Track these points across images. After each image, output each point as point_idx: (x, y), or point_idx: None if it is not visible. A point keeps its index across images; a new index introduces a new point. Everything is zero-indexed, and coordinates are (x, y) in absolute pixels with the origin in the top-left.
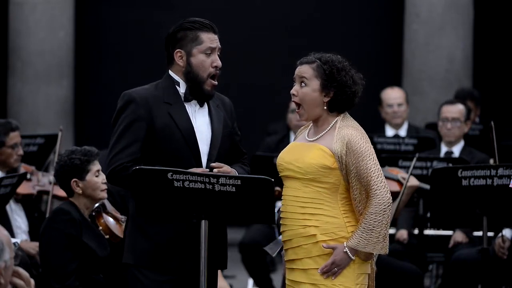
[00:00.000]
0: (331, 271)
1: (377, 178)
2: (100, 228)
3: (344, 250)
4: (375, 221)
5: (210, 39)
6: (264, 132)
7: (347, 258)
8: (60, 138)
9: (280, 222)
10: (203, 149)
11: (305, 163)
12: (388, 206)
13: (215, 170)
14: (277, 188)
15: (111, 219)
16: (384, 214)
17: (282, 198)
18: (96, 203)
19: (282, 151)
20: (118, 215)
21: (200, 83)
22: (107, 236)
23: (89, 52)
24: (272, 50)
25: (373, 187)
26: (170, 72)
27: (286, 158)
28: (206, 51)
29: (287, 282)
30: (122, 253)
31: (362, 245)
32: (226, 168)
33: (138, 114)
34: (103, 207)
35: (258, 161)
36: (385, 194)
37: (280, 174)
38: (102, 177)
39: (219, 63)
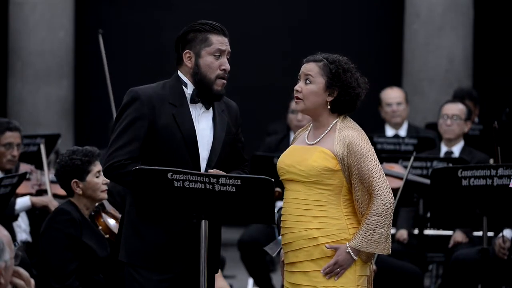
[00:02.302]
0: (333, 272)
1: (378, 178)
2: (100, 227)
3: (347, 250)
4: (377, 221)
5: (219, 42)
6: (264, 132)
7: (350, 259)
8: (43, 151)
9: (281, 225)
10: (203, 154)
11: (307, 166)
12: (390, 206)
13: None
14: (277, 189)
15: (110, 219)
16: (386, 215)
17: (283, 201)
18: (96, 204)
19: (282, 155)
20: (117, 214)
21: (208, 84)
22: (106, 236)
23: (89, 52)
24: (272, 50)
25: (375, 187)
26: (179, 73)
27: (287, 161)
28: (215, 53)
29: (286, 284)
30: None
31: (364, 245)
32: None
33: (141, 112)
34: (102, 207)
35: (258, 161)
36: (388, 195)
37: (281, 178)
38: (103, 178)
39: (227, 66)
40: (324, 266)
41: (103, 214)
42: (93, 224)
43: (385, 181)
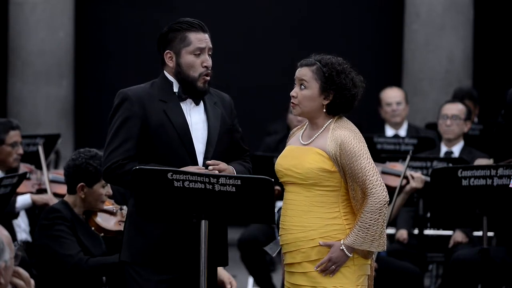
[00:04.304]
0: (328, 269)
1: (372, 176)
2: (93, 228)
3: (341, 247)
4: (371, 220)
5: (198, 40)
6: (264, 132)
7: (343, 256)
8: (42, 152)
9: (280, 226)
10: (199, 148)
11: (304, 169)
12: (384, 204)
13: (210, 167)
14: (277, 187)
15: (102, 215)
16: (380, 213)
17: (283, 202)
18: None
19: (279, 157)
20: (109, 206)
21: (192, 82)
22: (101, 234)
23: (89, 52)
24: (272, 50)
25: (368, 186)
26: (165, 72)
27: (284, 164)
28: (195, 52)
29: (287, 284)
30: (120, 251)
31: (358, 243)
32: (223, 166)
33: (132, 111)
34: None
35: (258, 161)
36: (381, 193)
37: (280, 180)
38: (107, 190)
39: (209, 63)
40: (318, 263)
41: (94, 213)
42: (86, 223)
43: (378, 179)
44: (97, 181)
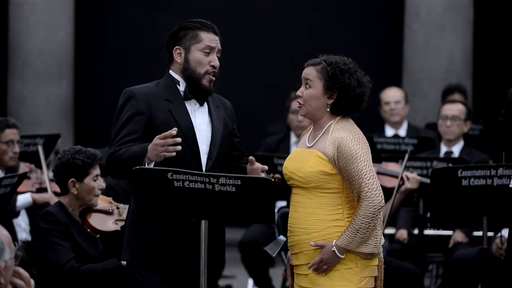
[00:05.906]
0: (320, 269)
1: (368, 180)
2: (88, 230)
3: (332, 249)
4: (362, 223)
5: (209, 39)
6: (264, 132)
7: (335, 257)
8: (41, 152)
9: (288, 228)
10: (203, 148)
11: (305, 173)
12: (378, 209)
13: (258, 164)
14: (277, 175)
15: (97, 215)
16: (373, 217)
17: (290, 204)
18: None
19: (287, 159)
20: (106, 205)
21: (197, 79)
22: (98, 235)
23: (89, 52)
24: (273, 50)
25: (364, 189)
26: (171, 71)
27: (290, 167)
28: (205, 50)
29: (295, 287)
30: (120, 251)
31: (350, 245)
32: (259, 165)
33: (138, 108)
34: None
35: (258, 161)
36: (377, 197)
37: (288, 183)
38: (99, 183)
39: (216, 63)
40: (310, 264)
41: (88, 214)
42: (82, 224)
43: (375, 183)
44: (87, 174)
